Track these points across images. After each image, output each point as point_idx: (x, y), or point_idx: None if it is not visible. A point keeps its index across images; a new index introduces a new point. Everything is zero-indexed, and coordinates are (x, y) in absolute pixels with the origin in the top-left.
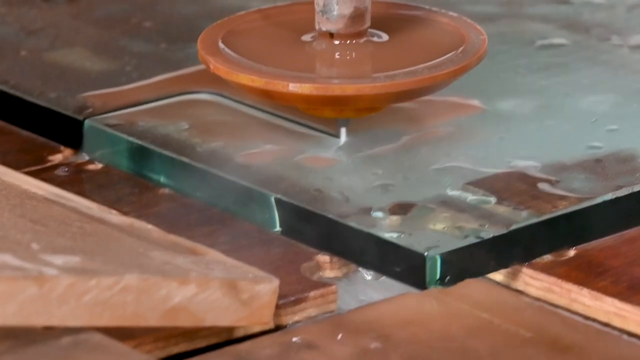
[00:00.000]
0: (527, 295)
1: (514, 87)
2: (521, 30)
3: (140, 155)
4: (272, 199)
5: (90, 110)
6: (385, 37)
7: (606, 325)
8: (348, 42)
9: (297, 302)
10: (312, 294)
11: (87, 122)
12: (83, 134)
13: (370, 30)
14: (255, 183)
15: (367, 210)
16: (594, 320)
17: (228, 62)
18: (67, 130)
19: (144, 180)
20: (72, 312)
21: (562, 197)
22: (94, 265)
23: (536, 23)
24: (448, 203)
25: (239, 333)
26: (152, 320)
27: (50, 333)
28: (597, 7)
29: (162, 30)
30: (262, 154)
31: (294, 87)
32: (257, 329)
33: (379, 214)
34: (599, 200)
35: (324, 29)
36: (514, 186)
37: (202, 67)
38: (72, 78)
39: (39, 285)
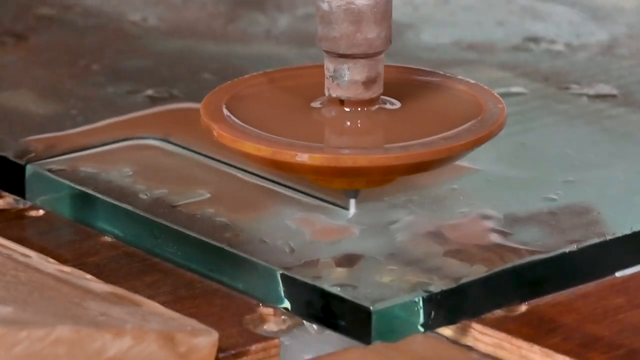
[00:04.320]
0: (476, 351)
1: None
2: (479, 79)
3: (82, 201)
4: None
5: (33, 154)
6: (398, 104)
7: None
8: (359, 109)
9: (238, 355)
10: (253, 347)
11: (28, 167)
12: (25, 179)
13: (382, 97)
14: (200, 232)
15: (313, 262)
16: None
17: (233, 130)
18: (8, 175)
19: (86, 228)
20: None
21: (514, 251)
22: (26, 316)
23: (495, 71)
24: (396, 255)
25: None
26: None
27: None
28: (557, 55)
29: (110, 74)
30: (207, 202)
31: (302, 158)
32: None
33: (325, 266)
34: (552, 254)
35: (334, 95)
36: (465, 238)
37: (148, 111)
38: (16, 121)
39: None
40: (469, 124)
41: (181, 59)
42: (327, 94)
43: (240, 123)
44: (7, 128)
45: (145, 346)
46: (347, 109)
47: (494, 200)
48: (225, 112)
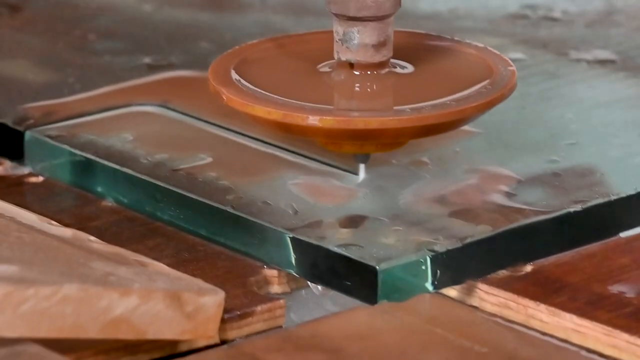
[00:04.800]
0: (482, 311)
1: None
2: None
3: (82, 167)
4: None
5: (32, 121)
6: (408, 67)
7: (564, 342)
8: (369, 72)
9: (244, 316)
10: (259, 308)
11: (28, 134)
12: (24, 146)
13: (392, 60)
14: (202, 196)
15: (317, 224)
16: (552, 336)
17: (242, 94)
18: (7, 141)
19: (86, 193)
20: (8, 322)
21: (519, 211)
22: (32, 275)
23: (492, 37)
24: (401, 216)
25: (183, 348)
26: (92, 332)
27: None
28: (554, 22)
29: (106, 43)
30: (208, 166)
31: (313, 120)
32: (201, 343)
33: (329, 227)
34: (556, 214)
35: (343, 58)
36: (469, 199)
37: (145, 79)
38: (14, 89)
39: None
40: (480, 86)
41: (177, 28)
42: (336, 57)
43: (251, 86)
44: (4, 96)
45: (152, 305)
46: (356, 73)
47: (497, 162)
48: (234, 76)
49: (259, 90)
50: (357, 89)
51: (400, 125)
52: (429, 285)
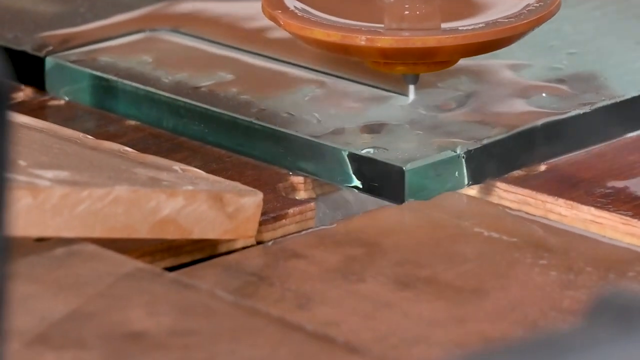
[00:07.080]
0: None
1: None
2: None
3: (104, 89)
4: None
5: (50, 48)
6: None
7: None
8: None
9: (278, 218)
10: (291, 211)
11: (48, 59)
12: (44, 72)
13: None
14: (226, 109)
15: (340, 130)
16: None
17: (298, 18)
18: (27, 68)
19: (109, 113)
20: (65, 223)
21: (532, 113)
22: (84, 179)
23: None
24: (420, 122)
25: (222, 249)
26: (142, 232)
27: (42, 244)
28: None
29: None
30: (229, 83)
31: (372, 41)
32: (239, 244)
33: (352, 133)
34: (566, 115)
35: None
36: (482, 104)
37: (155, 6)
38: (28, 20)
39: (34, 196)
40: (528, 4)
41: None
42: None
43: (308, 9)
44: (19, 26)
45: (196, 206)
46: None
47: (503, 70)
48: (289, 1)
49: (315, 13)
50: (407, 11)
51: (456, 43)
52: (464, 180)
